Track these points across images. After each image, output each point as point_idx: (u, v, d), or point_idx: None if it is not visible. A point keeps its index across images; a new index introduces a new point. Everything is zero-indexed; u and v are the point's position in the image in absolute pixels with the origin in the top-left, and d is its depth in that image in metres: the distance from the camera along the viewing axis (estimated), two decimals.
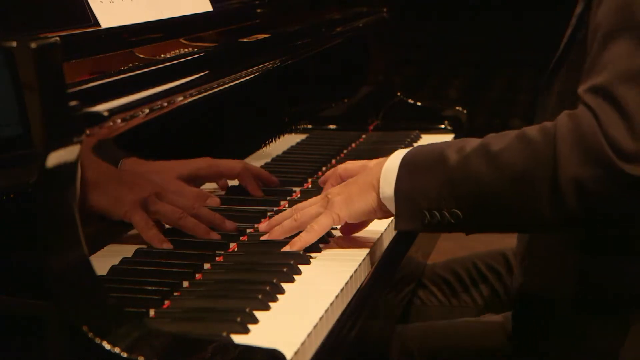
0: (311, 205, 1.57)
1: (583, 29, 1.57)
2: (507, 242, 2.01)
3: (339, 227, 1.62)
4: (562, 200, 1.34)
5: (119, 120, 1.28)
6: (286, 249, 1.52)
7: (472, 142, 1.45)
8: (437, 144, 1.52)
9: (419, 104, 2.64)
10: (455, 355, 1.78)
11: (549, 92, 1.64)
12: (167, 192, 1.58)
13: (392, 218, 1.71)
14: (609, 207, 1.36)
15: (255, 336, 1.24)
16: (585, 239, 1.57)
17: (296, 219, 1.56)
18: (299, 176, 1.97)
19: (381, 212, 1.53)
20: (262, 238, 1.58)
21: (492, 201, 1.41)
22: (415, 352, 1.78)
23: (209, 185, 1.85)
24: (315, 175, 2.01)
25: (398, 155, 1.52)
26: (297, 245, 1.52)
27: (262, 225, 1.61)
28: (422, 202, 1.46)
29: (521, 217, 1.41)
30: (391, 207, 1.51)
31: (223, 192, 1.84)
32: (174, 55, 1.66)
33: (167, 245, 1.53)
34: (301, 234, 1.53)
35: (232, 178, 1.84)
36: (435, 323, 1.91)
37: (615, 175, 1.31)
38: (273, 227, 1.57)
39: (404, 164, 1.50)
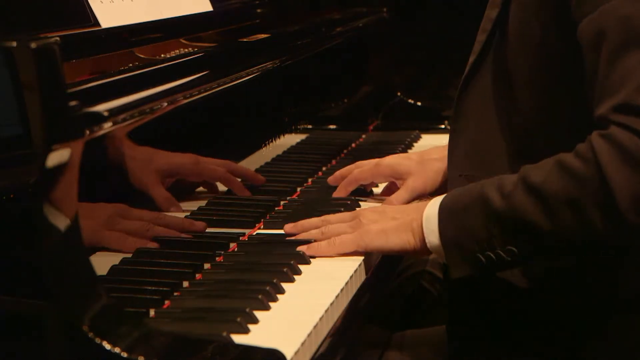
0: (341, 220, 1.57)
1: (498, 33, 1.59)
2: None
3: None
4: (620, 218, 1.35)
5: (119, 120, 1.28)
6: (301, 248, 1.53)
7: (511, 178, 1.45)
8: (471, 185, 1.50)
9: (419, 104, 2.64)
10: None
11: (466, 98, 1.64)
12: (128, 210, 1.57)
13: None
14: None
15: (255, 336, 1.24)
16: None
17: (324, 233, 1.56)
18: (299, 176, 1.97)
19: (420, 253, 1.53)
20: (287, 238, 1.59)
21: (542, 233, 1.41)
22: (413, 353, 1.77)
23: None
24: (316, 175, 2.01)
25: (436, 201, 1.51)
26: (312, 250, 1.53)
27: (289, 226, 1.61)
28: (472, 245, 1.45)
29: (574, 242, 1.43)
30: (440, 255, 1.50)
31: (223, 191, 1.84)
32: (174, 55, 1.66)
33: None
34: (321, 243, 1.54)
35: (214, 180, 1.84)
36: (433, 329, 1.91)
37: None
38: (299, 230, 1.58)
39: (444, 209, 1.49)
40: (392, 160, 1.84)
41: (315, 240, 1.55)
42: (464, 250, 1.46)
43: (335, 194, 1.83)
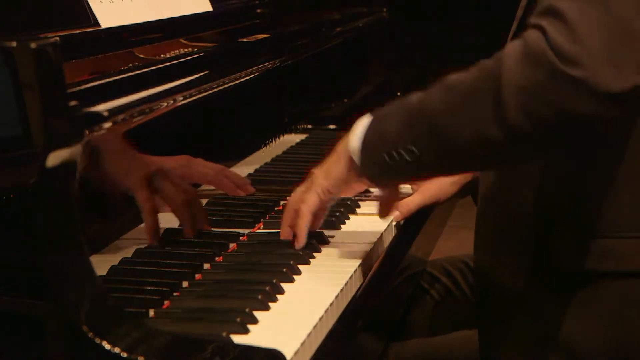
0: (301, 193, 1.58)
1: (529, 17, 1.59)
2: None
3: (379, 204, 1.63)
4: (505, 111, 1.33)
5: (119, 120, 1.28)
6: (296, 245, 1.54)
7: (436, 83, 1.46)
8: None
9: None
10: None
11: None
12: (178, 170, 1.62)
13: (391, 218, 1.71)
14: (549, 110, 1.33)
15: (255, 336, 1.24)
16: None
17: (287, 208, 1.58)
18: (298, 176, 1.97)
19: (355, 172, 1.51)
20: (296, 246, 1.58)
21: (443, 129, 1.39)
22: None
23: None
24: None
25: (370, 114, 1.52)
26: (299, 237, 1.54)
27: (284, 233, 1.60)
28: (383, 145, 1.45)
29: (471, 144, 1.39)
30: (357, 159, 1.49)
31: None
32: (174, 55, 1.66)
33: (156, 238, 1.55)
34: (296, 222, 1.55)
35: (204, 183, 1.82)
36: (431, 340, 1.92)
37: (556, 76, 1.30)
38: (289, 231, 1.58)
39: (374, 115, 1.51)
40: None
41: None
42: (375, 149, 1.46)
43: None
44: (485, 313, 1.67)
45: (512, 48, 1.36)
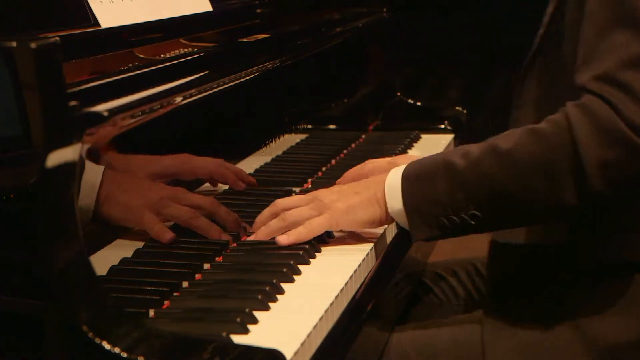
0: (296, 204, 1.58)
1: (555, 24, 1.62)
2: None
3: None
4: (587, 184, 1.39)
5: (119, 120, 1.28)
6: (282, 238, 1.53)
7: (476, 146, 1.49)
8: (435, 154, 1.55)
9: (419, 104, 2.64)
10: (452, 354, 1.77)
11: (523, 88, 1.69)
12: (179, 192, 1.60)
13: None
14: (633, 182, 1.41)
15: (255, 336, 1.24)
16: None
17: (284, 219, 1.56)
18: (299, 176, 1.97)
19: (386, 222, 1.58)
20: (248, 238, 1.59)
21: (509, 198, 1.44)
22: (411, 353, 1.77)
23: (208, 187, 1.85)
24: (315, 175, 2.01)
25: (397, 171, 1.55)
26: (292, 237, 1.53)
27: (254, 237, 1.59)
28: (435, 210, 1.49)
29: (542, 208, 1.45)
30: (403, 221, 1.54)
31: (218, 192, 1.84)
32: (174, 55, 1.66)
33: (170, 235, 1.55)
34: (298, 228, 1.54)
35: (207, 177, 1.84)
36: (431, 322, 1.91)
37: (637, 152, 1.37)
38: (263, 234, 1.57)
39: (407, 176, 1.53)
40: (406, 160, 1.83)
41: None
42: (425, 214, 1.50)
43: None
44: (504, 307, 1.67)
45: (578, 116, 1.40)
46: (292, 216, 1.56)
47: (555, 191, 1.42)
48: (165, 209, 1.56)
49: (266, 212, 1.60)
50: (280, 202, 1.60)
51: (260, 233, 1.57)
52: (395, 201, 1.53)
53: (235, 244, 1.59)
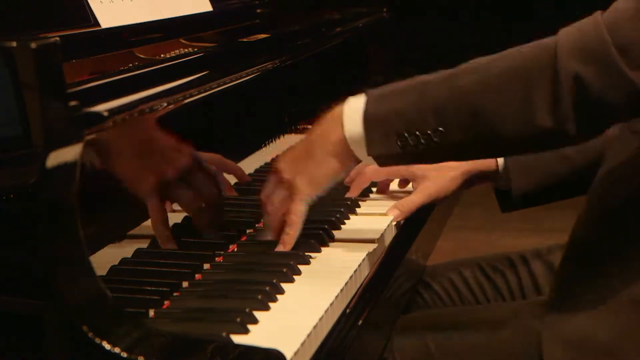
0: (269, 194, 1.56)
1: None
2: (509, 243, 2.01)
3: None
4: (560, 101, 1.30)
5: (119, 120, 1.28)
6: (279, 249, 1.52)
7: (455, 67, 1.40)
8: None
9: None
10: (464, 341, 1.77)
11: None
12: (197, 173, 1.58)
13: (391, 218, 1.71)
14: (609, 111, 1.32)
15: (255, 336, 1.24)
16: None
17: (269, 212, 1.56)
18: None
19: (350, 162, 1.49)
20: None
21: (480, 114, 1.35)
22: (416, 340, 1.77)
23: None
24: None
25: (356, 97, 1.46)
26: (287, 243, 1.52)
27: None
28: (399, 123, 1.39)
29: (514, 129, 1.35)
30: (360, 146, 1.44)
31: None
32: (174, 55, 1.66)
33: (172, 246, 1.53)
34: (285, 230, 1.53)
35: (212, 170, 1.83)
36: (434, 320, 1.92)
37: (612, 76, 1.27)
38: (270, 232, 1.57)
39: (372, 96, 1.43)
40: None
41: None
42: (387, 127, 1.40)
43: (349, 194, 1.83)
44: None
45: (565, 32, 1.32)
46: (272, 205, 1.55)
47: (528, 107, 1.32)
48: (173, 190, 1.54)
49: (265, 219, 1.59)
50: (263, 195, 1.58)
51: (268, 236, 1.57)
52: (353, 125, 1.43)
53: (235, 245, 1.59)
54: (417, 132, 1.39)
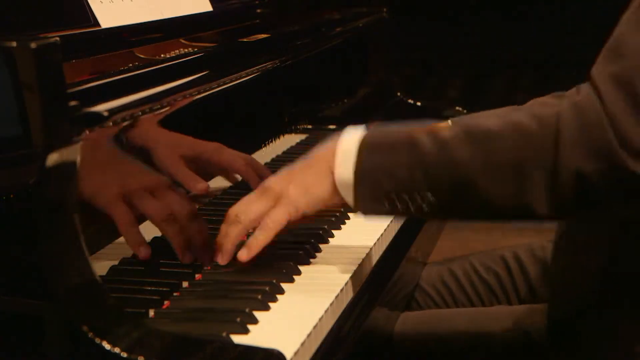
0: (248, 203, 1.45)
1: None
2: (509, 244, 2.01)
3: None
4: (559, 193, 1.29)
5: (119, 120, 1.28)
6: (242, 254, 1.42)
7: (446, 127, 1.36)
8: (396, 127, 1.41)
9: (418, 104, 2.64)
10: (461, 342, 1.77)
11: None
12: (162, 188, 1.49)
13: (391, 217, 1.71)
14: (608, 203, 1.32)
15: (255, 336, 1.24)
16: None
17: (241, 221, 1.43)
18: None
19: (338, 198, 1.42)
20: (218, 261, 1.45)
21: (473, 190, 1.32)
22: (416, 339, 1.77)
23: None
24: None
25: (352, 135, 1.41)
26: (253, 248, 1.42)
27: (222, 259, 1.46)
28: (388, 183, 1.36)
29: (506, 208, 1.34)
30: (348, 192, 1.39)
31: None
32: (174, 55, 1.66)
33: (145, 251, 1.46)
34: (256, 234, 1.43)
35: (233, 171, 1.84)
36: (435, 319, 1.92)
37: (619, 171, 1.26)
38: (226, 249, 1.44)
39: (365, 144, 1.39)
40: None
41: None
42: (377, 186, 1.36)
43: None
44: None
45: (569, 122, 1.28)
46: (246, 214, 1.43)
47: (524, 193, 1.31)
48: (139, 200, 1.44)
49: (222, 227, 1.46)
50: (232, 210, 1.46)
51: (224, 246, 1.44)
52: (345, 169, 1.38)
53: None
54: (406, 196, 1.36)
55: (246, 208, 1.44)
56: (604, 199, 1.30)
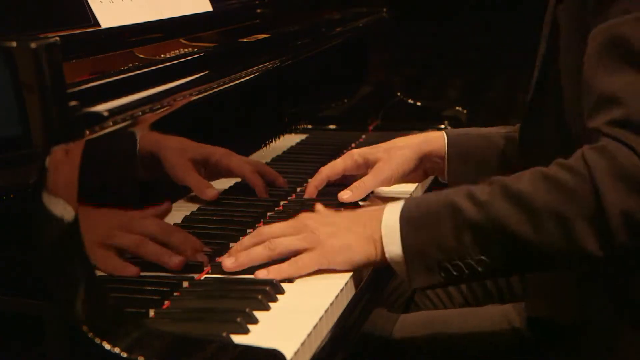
0: (284, 232, 1.46)
1: (551, 71, 1.57)
2: None
3: None
4: (611, 235, 1.33)
5: (119, 120, 1.28)
6: (261, 273, 1.42)
7: (481, 188, 1.40)
8: (436, 194, 1.46)
9: (419, 104, 2.64)
10: (457, 342, 1.77)
11: (534, 133, 1.63)
12: (129, 220, 1.47)
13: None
14: None
15: (255, 336, 1.24)
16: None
17: (272, 249, 1.44)
18: (298, 176, 1.97)
19: (380, 265, 1.46)
20: (225, 266, 1.44)
21: (523, 244, 1.36)
22: (415, 340, 1.77)
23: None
24: None
25: (394, 211, 1.44)
26: (274, 273, 1.42)
27: (228, 263, 1.44)
28: (438, 255, 1.39)
29: (560, 257, 1.38)
30: (401, 266, 1.43)
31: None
32: (174, 55, 1.66)
33: (131, 271, 1.42)
34: (283, 265, 1.43)
35: (240, 176, 1.85)
36: (436, 312, 1.92)
37: None
38: (243, 261, 1.44)
39: (407, 219, 1.42)
40: (363, 150, 1.85)
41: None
42: (428, 259, 1.39)
43: (306, 195, 1.81)
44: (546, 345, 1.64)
45: (599, 164, 1.33)
46: (281, 246, 1.44)
47: (575, 241, 1.34)
48: (111, 240, 1.41)
49: (248, 239, 1.48)
50: (266, 230, 1.48)
51: (242, 257, 1.44)
52: (393, 246, 1.42)
53: (235, 244, 1.58)
54: (460, 262, 1.39)
55: (283, 240, 1.45)
56: None
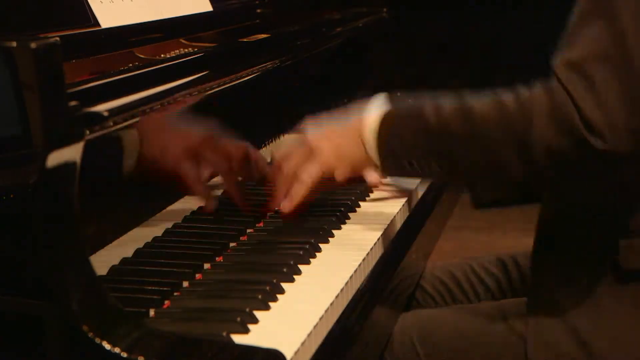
0: (299, 160, 1.66)
1: None
2: (510, 244, 2.02)
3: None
4: (532, 162, 1.47)
5: (119, 120, 1.28)
6: (285, 204, 1.65)
7: (449, 104, 1.55)
8: (414, 102, 1.61)
9: None
10: (457, 343, 1.78)
11: None
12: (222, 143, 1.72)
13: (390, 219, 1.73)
14: (574, 171, 1.50)
15: (255, 336, 1.25)
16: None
17: (306, 183, 1.65)
18: None
19: (367, 163, 1.64)
20: (284, 210, 1.67)
21: (462, 158, 1.54)
22: (415, 339, 1.78)
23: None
24: None
25: (376, 114, 1.61)
26: (292, 199, 1.65)
27: (285, 206, 1.68)
28: (404, 153, 1.57)
29: (493, 173, 1.55)
30: (376, 158, 1.61)
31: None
32: (174, 55, 1.66)
33: (211, 203, 1.70)
34: (294, 188, 1.65)
35: (231, 157, 1.84)
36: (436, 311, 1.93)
37: (583, 147, 1.43)
38: (285, 201, 1.66)
39: (384, 123, 1.60)
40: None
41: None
42: (394, 154, 1.59)
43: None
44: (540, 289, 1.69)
45: (541, 102, 1.46)
46: (309, 177, 1.65)
47: (502, 162, 1.50)
48: (206, 151, 1.68)
49: (281, 184, 1.68)
50: (286, 168, 1.67)
51: (289, 204, 1.67)
52: (370, 134, 1.60)
53: (235, 244, 1.59)
54: (414, 161, 1.58)
55: (284, 159, 1.68)
56: (571, 169, 1.49)
